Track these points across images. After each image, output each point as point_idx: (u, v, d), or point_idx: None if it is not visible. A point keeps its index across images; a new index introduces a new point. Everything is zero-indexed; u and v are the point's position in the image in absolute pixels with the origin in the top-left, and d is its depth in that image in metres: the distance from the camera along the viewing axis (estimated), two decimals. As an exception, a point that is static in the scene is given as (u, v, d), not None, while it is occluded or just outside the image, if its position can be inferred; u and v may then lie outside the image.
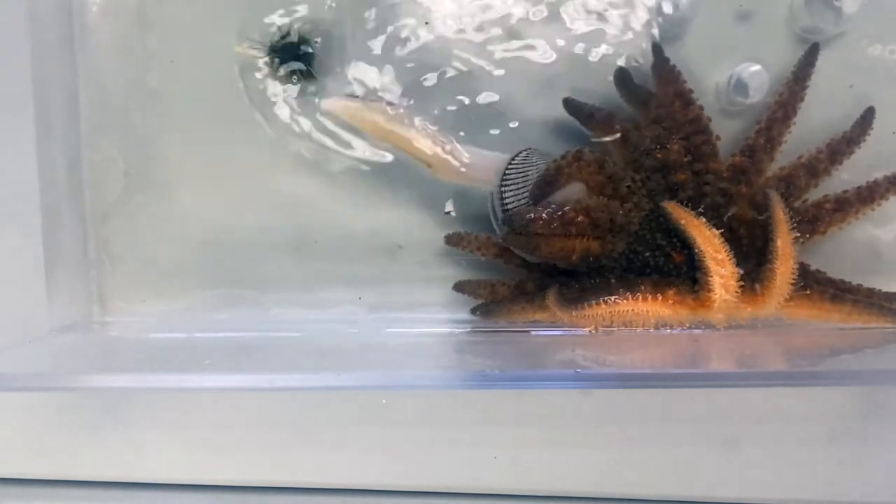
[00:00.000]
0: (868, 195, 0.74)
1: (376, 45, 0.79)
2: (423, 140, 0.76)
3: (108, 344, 0.81)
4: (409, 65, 0.79)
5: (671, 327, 0.72)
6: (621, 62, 0.78)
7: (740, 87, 0.76)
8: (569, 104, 0.76)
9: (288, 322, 0.80)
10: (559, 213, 0.70)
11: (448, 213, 0.79)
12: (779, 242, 0.70)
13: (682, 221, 0.70)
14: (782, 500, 0.78)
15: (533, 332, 0.77)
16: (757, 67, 0.76)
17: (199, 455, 0.80)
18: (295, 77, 0.78)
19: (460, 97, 0.79)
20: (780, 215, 0.70)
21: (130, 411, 0.80)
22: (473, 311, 0.77)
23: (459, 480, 0.79)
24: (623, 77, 0.76)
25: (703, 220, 0.70)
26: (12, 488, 0.81)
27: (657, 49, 0.75)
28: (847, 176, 0.76)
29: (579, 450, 0.78)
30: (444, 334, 0.79)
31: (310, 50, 0.77)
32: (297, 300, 0.81)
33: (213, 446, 0.79)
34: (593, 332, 0.72)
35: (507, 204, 0.75)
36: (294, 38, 0.77)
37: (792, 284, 0.70)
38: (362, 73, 0.78)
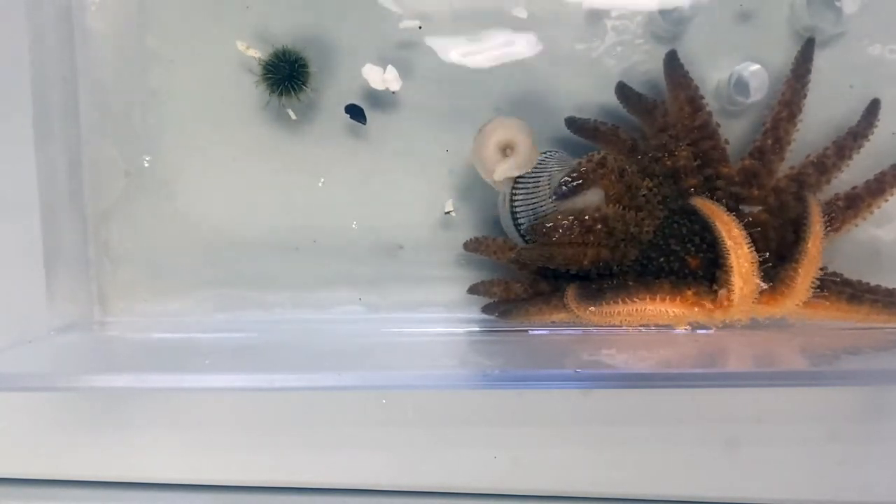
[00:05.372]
0: (878, 187, 0.74)
1: (372, 49, 0.79)
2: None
3: (108, 344, 0.81)
4: (405, 67, 0.79)
5: (685, 327, 0.72)
6: (622, 63, 0.78)
7: (741, 86, 0.76)
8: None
9: (288, 322, 0.80)
10: (578, 220, 0.71)
11: (448, 213, 0.79)
12: (809, 244, 0.69)
13: (713, 217, 0.69)
14: (782, 500, 0.78)
15: (535, 332, 0.77)
16: (757, 67, 0.76)
17: (198, 455, 0.80)
18: (291, 91, 0.77)
19: (458, 98, 0.79)
20: (817, 217, 0.70)
21: (130, 411, 0.80)
22: (489, 311, 0.77)
23: (459, 480, 0.79)
24: (624, 90, 0.76)
25: (733, 217, 0.70)
26: (12, 488, 0.81)
27: (672, 55, 0.75)
28: (848, 177, 0.75)
29: (579, 450, 0.78)
30: (445, 334, 0.79)
31: (304, 66, 0.77)
32: (297, 300, 0.81)
33: (213, 446, 0.80)
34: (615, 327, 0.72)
35: (516, 206, 0.75)
36: (287, 58, 0.76)
37: (812, 286, 0.70)
38: (360, 77, 0.78)
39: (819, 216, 0.70)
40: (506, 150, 0.74)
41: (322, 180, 0.80)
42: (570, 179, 0.72)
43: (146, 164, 0.80)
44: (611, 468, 0.78)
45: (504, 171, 0.74)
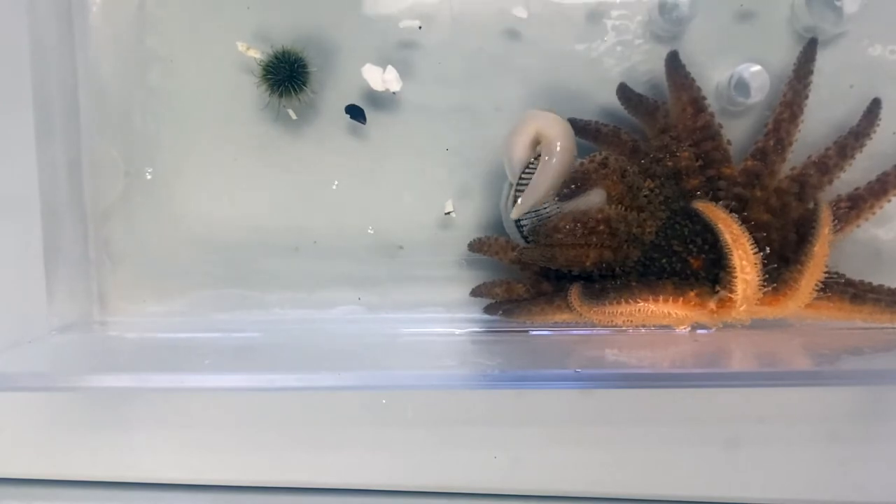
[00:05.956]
0: (880, 188, 0.74)
1: (372, 49, 0.79)
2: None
3: (108, 344, 0.81)
4: (405, 67, 0.79)
5: (687, 327, 0.72)
6: (622, 63, 0.78)
7: (741, 87, 0.76)
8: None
9: (288, 322, 0.80)
10: (580, 222, 0.71)
11: (448, 213, 0.79)
12: (816, 247, 0.69)
13: (715, 219, 0.69)
14: (782, 500, 0.78)
15: (535, 333, 0.77)
16: (758, 67, 0.76)
17: (198, 455, 0.80)
18: (291, 92, 0.77)
19: (458, 98, 0.79)
20: (826, 220, 0.70)
21: (130, 411, 0.80)
22: (492, 311, 0.77)
23: (459, 480, 0.79)
24: (625, 92, 0.76)
25: (736, 218, 0.69)
26: (12, 488, 0.81)
27: (673, 56, 0.75)
28: (850, 177, 0.75)
29: (579, 450, 0.78)
30: (445, 334, 0.79)
31: (304, 67, 0.77)
32: (297, 300, 0.81)
33: (213, 446, 0.80)
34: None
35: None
36: (287, 58, 0.76)
37: (816, 289, 0.70)
38: (360, 78, 0.78)
39: (829, 220, 0.70)
40: (537, 146, 0.75)
41: (336, 183, 0.80)
42: (572, 180, 0.73)
43: (148, 177, 0.80)
44: (611, 468, 0.78)
45: (530, 199, 0.74)
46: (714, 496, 0.78)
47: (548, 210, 0.74)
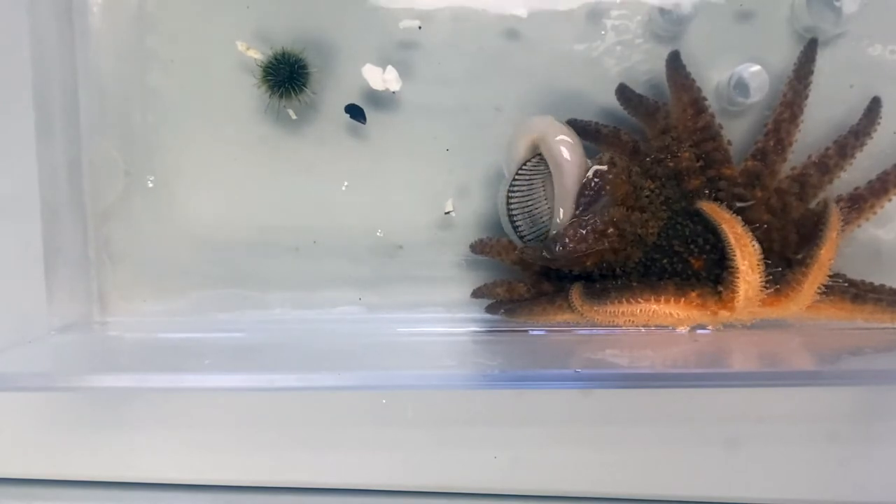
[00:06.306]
0: (881, 187, 0.74)
1: (372, 49, 0.79)
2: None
3: (108, 344, 0.81)
4: (405, 67, 0.79)
5: (687, 327, 0.72)
6: (622, 63, 0.78)
7: (741, 86, 0.76)
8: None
9: (288, 322, 0.80)
10: (590, 226, 0.71)
11: (448, 213, 0.79)
12: (822, 251, 0.69)
13: (719, 220, 0.69)
14: (782, 500, 0.78)
15: (535, 333, 0.77)
16: (757, 67, 0.76)
17: (198, 455, 0.80)
18: (291, 93, 0.77)
19: (458, 98, 0.79)
20: (835, 224, 0.70)
21: (130, 411, 0.80)
22: (493, 310, 0.77)
23: (459, 480, 0.79)
24: (625, 92, 0.76)
25: (739, 219, 0.69)
26: (12, 488, 0.81)
27: (674, 56, 0.75)
28: (850, 177, 0.75)
29: (579, 450, 0.78)
30: (445, 334, 0.79)
31: (304, 67, 0.77)
32: (297, 300, 0.81)
33: (213, 446, 0.79)
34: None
35: (513, 209, 0.75)
36: (287, 59, 0.76)
37: (818, 292, 0.70)
38: (360, 78, 0.78)
39: (837, 224, 0.70)
40: (536, 147, 0.75)
41: (346, 183, 0.80)
42: (593, 186, 0.73)
43: (150, 183, 0.80)
44: (611, 468, 0.78)
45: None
46: (714, 496, 0.78)
47: (539, 210, 0.74)
